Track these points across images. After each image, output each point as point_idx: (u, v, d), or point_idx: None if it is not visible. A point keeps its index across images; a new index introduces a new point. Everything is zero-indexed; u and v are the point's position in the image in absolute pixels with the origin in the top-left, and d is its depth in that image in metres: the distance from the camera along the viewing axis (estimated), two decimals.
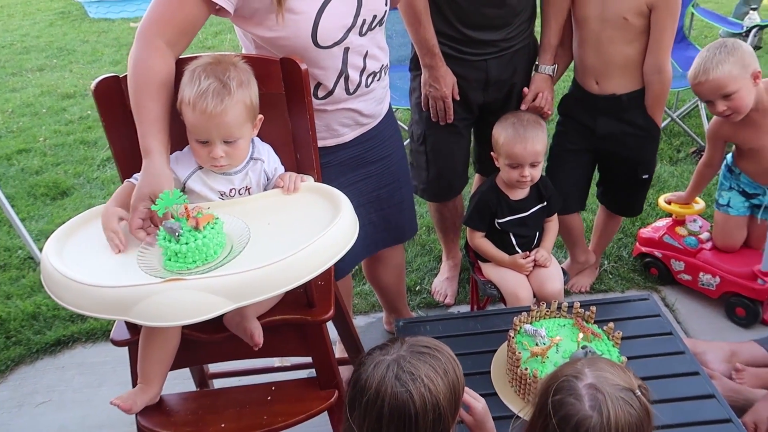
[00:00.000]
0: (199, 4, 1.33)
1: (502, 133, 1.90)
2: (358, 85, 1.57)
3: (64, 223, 1.35)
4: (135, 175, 1.35)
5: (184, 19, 1.33)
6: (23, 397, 2.18)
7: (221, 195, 1.38)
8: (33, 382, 2.23)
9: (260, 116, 1.36)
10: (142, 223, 1.23)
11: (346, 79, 1.53)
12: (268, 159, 1.41)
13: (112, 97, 1.36)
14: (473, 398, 1.24)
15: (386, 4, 1.56)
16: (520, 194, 1.97)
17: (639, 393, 1.00)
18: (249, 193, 1.39)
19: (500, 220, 1.96)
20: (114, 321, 1.45)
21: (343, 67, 1.51)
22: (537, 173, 1.91)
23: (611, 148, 2.12)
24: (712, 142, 2.23)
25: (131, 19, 6.97)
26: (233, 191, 1.38)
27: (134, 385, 1.43)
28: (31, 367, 2.30)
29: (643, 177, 2.19)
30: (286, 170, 1.44)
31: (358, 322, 2.37)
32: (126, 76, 1.34)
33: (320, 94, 1.54)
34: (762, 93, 2.00)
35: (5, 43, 6.48)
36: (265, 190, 1.41)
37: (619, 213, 2.38)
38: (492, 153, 1.96)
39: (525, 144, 1.85)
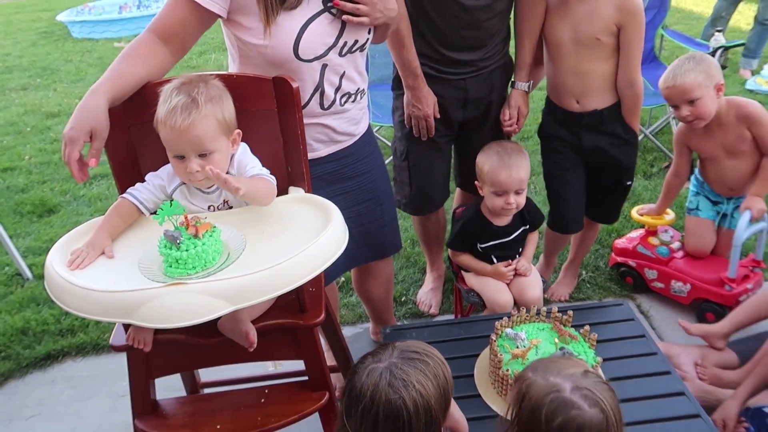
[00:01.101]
0: (190, 7, 1.45)
1: (486, 161, 1.96)
2: (333, 102, 1.65)
3: (51, 239, 1.40)
4: (129, 190, 1.41)
5: (174, 19, 1.47)
6: (13, 410, 2.20)
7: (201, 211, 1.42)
8: (23, 396, 2.26)
9: (238, 131, 1.41)
10: (79, 155, 1.29)
11: (322, 94, 1.61)
12: (239, 171, 1.43)
13: (111, 113, 1.42)
14: None
15: (369, 33, 1.64)
16: (504, 220, 2.02)
17: (592, 369, 1.10)
18: (228, 206, 1.44)
19: (483, 245, 2.04)
20: (109, 330, 1.50)
21: (320, 81, 1.59)
22: (522, 200, 1.96)
23: (599, 159, 2.23)
24: (678, 148, 2.38)
25: (115, 39, 7.02)
26: (212, 207, 1.44)
27: (133, 398, 1.46)
28: (20, 381, 2.33)
29: (627, 183, 2.32)
30: (277, 184, 1.48)
31: (346, 332, 2.42)
32: None
33: None
34: (723, 106, 2.16)
35: None
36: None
37: (601, 221, 2.48)
38: (476, 182, 2.04)
39: (510, 171, 1.91)
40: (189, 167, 1.33)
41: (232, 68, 1.65)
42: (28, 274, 2.84)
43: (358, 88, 1.71)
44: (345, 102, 1.68)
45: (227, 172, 1.40)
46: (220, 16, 1.50)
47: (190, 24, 1.48)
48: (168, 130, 1.31)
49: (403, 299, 2.62)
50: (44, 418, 2.17)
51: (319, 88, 1.60)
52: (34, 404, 2.22)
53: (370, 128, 1.89)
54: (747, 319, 2.06)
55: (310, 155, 1.69)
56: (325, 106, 1.64)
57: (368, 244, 1.94)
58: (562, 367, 1.12)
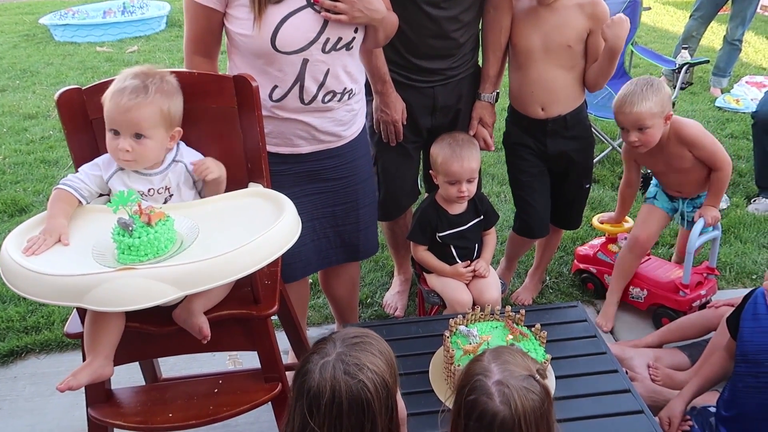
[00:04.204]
0: (208, 13, 1.58)
1: (440, 153, 2.04)
2: (314, 98, 1.67)
3: None
4: (62, 181, 1.43)
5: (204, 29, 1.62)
6: None
7: (141, 195, 1.44)
8: None
9: (178, 129, 1.46)
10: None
11: (301, 87, 1.64)
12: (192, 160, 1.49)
13: (74, 107, 1.46)
14: None
15: (356, 32, 1.67)
16: (458, 209, 2.11)
17: (537, 376, 1.13)
18: (169, 193, 1.48)
19: (441, 234, 2.10)
20: (67, 321, 1.51)
21: (300, 75, 1.62)
22: (473, 188, 2.06)
23: (563, 164, 2.29)
24: (626, 162, 2.47)
25: (97, 43, 7.00)
26: (152, 191, 1.47)
27: (87, 387, 1.45)
28: None
29: (586, 187, 2.39)
30: (237, 179, 1.53)
31: (311, 333, 2.45)
32: (88, 88, 1.46)
33: (275, 96, 1.65)
34: (665, 130, 2.21)
35: None
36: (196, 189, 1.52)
37: (565, 227, 2.54)
38: (431, 171, 2.11)
39: (462, 162, 2.00)
40: (120, 144, 1.38)
41: (229, 63, 1.71)
42: None
43: (345, 88, 1.72)
44: (329, 100, 1.70)
45: (172, 159, 1.48)
46: (218, 11, 1.56)
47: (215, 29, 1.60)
48: (113, 105, 1.37)
49: (369, 301, 2.65)
50: (4, 414, 2.16)
51: (299, 81, 1.63)
52: None
53: (363, 133, 1.91)
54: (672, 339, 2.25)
55: (291, 150, 1.73)
56: (306, 101, 1.67)
57: (342, 245, 1.97)
58: (511, 361, 1.16)
